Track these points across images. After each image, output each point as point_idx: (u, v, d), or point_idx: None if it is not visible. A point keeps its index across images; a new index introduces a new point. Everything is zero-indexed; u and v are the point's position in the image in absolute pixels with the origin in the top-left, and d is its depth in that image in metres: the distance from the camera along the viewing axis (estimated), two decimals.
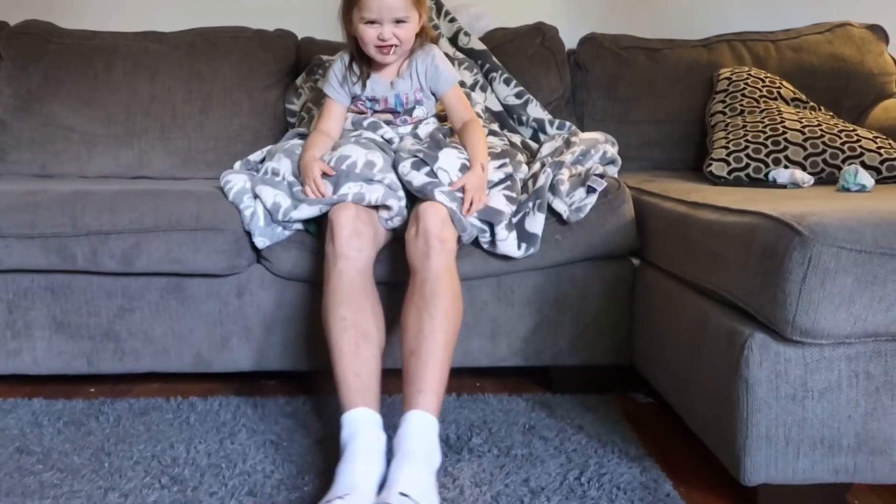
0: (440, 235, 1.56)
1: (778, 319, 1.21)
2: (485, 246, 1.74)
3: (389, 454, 1.36)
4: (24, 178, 2.22)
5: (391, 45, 1.73)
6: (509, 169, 1.81)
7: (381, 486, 1.30)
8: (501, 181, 1.78)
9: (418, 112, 1.89)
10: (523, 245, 1.73)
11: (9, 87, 2.31)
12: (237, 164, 1.90)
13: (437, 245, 1.55)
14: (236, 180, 1.78)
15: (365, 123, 1.86)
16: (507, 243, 1.72)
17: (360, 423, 1.39)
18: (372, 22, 1.70)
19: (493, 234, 1.72)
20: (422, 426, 1.37)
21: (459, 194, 1.65)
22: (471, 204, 1.64)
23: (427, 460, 1.33)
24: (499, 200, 1.73)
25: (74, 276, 1.77)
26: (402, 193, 1.70)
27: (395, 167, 1.74)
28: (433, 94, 1.87)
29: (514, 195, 1.76)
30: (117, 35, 2.41)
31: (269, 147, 1.92)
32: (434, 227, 1.56)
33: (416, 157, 1.71)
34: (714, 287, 1.41)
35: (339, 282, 1.53)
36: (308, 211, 1.69)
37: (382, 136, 1.83)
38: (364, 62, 1.82)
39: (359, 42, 1.76)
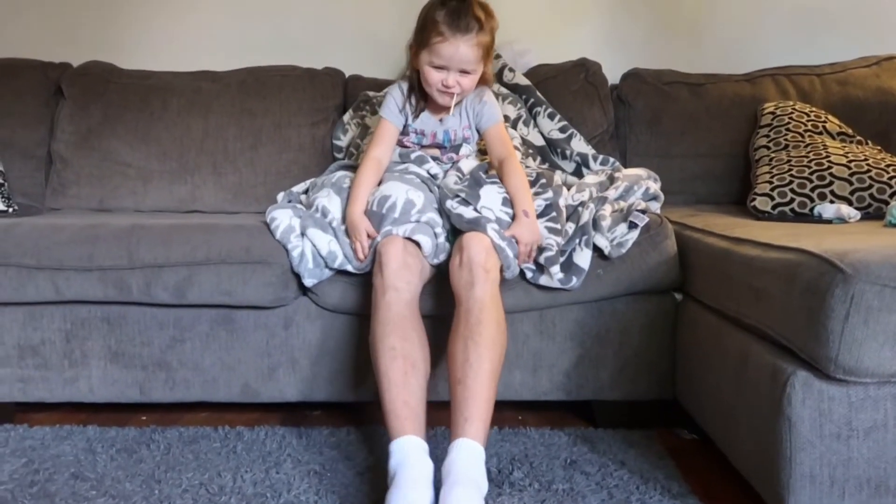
0: (484, 265, 1.60)
1: (821, 357, 1.20)
2: (528, 276, 1.76)
3: (436, 483, 1.38)
4: (83, 211, 2.32)
5: (453, 93, 1.79)
6: (549, 194, 1.84)
7: None
8: (543, 212, 1.82)
9: (464, 149, 1.94)
10: (570, 278, 1.75)
11: (70, 125, 2.42)
12: (280, 196, 1.96)
13: (482, 274, 1.58)
14: (282, 217, 1.83)
15: (412, 156, 1.91)
16: (552, 278, 1.74)
17: (410, 451, 1.42)
18: (440, 67, 1.76)
19: (538, 265, 1.75)
20: (469, 454, 1.41)
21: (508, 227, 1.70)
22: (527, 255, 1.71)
23: (476, 486, 1.36)
24: (542, 234, 1.77)
25: (129, 308, 1.84)
26: (440, 230, 1.74)
27: (440, 203, 1.79)
28: (477, 130, 1.92)
29: (557, 226, 1.78)
30: (172, 74, 2.51)
31: (312, 179, 1.97)
32: (478, 257, 1.60)
33: (458, 195, 1.75)
34: (756, 323, 1.41)
35: (388, 313, 1.58)
36: (360, 266, 1.75)
37: (428, 172, 1.88)
38: (421, 95, 1.88)
39: (421, 78, 1.82)
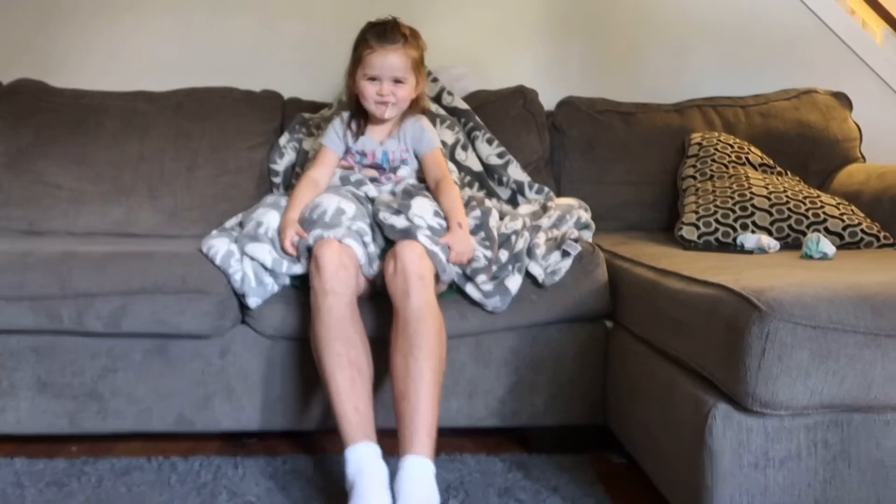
0: (418, 271, 1.64)
1: (739, 391, 1.26)
2: (458, 283, 1.80)
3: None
4: (12, 233, 2.26)
5: (388, 102, 1.89)
6: (478, 213, 1.91)
7: None
8: (473, 231, 1.87)
9: (402, 171, 1.99)
10: (495, 295, 1.79)
11: (0, 146, 2.36)
12: (214, 232, 1.94)
13: (416, 282, 1.63)
14: (219, 245, 1.83)
15: (352, 179, 1.95)
16: (483, 290, 1.78)
17: (366, 458, 1.51)
18: (373, 79, 1.88)
19: (465, 276, 1.80)
20: (419, 472, 1.48)
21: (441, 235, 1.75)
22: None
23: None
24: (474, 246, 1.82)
25: (60, 337, 1.80)
26: (369, 240, 1.79)
27: (374, 218, 1.84)
28: (416, 156, 1.99)
29: (487, 243, 1.85)
30: (107, 94, 2.47)
31: (242, 213, 1.99)
32: (411, 264, 1.64)
33: (391, 206, 1.81)
34: (681, 355, 1.47)
35: (330, 318, 1.62)
36: (303, 266, 1.77)
37: (366, 194, 1.93)
38: (361, 119, 1.98)
39: (360, 97, 1.92)
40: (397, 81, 1.89)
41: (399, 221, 1.77)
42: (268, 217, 1.87)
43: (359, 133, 1.99)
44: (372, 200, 1.92)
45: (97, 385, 1.82)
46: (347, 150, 2.00)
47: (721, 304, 1.33)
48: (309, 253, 1.74)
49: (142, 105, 2.43)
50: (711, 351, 1.35)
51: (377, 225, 1.83)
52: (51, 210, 2.30)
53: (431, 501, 1.46)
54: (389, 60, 1.86)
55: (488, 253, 1.83)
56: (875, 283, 1.31)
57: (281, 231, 1.82)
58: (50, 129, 2.37)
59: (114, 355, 1.81)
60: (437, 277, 1.72)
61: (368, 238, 1.79)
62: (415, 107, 2.01)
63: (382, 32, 1.88)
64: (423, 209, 1.81)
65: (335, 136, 2.01)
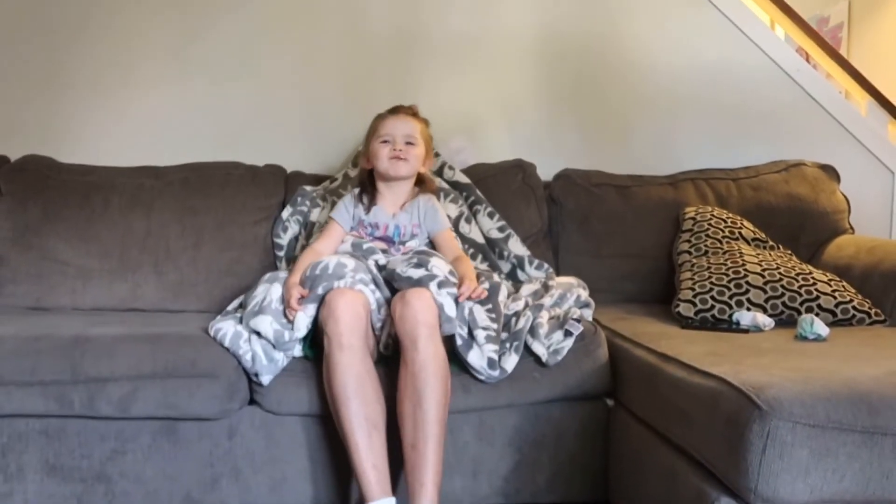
0: (425, 320, 1.74)
1: (741, 486, 1.30)
2: (458, 343, 1.82)
3: None
4: (19, 310, 2.28)
5: (402, 159, 2.04)
6: (486, 285, 1.96)
7: None
8: (482, 302, 1.91)
9: (411, 244, 2.08)
10: (495, 370, 1.82)
11: (7, 222, 2.39)
12: (218, 317, 1.97)
13: (424, 332, 1.72)
14: (227, 327, 1.87)
15: (364, 247, 2.02)
16: (483, 355, 1.81)
17: None
18: (386, 141, 2.06)
19: (472, 336, 1.84)
20: None
21: (451, 290, 1.83)
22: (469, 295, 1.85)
23: None
24: (481, 316, 1.87)
25: (69, 420, 1.82)
26: (373, 288, 1.87)
27: (390, 274, 1.92)
28: (427, 234, 2.10)
29: (494, 315, 1.89)
30: (113, 170, 2.51)
31: (243, 295, 2.03)
32: (419, 313, 1.74)
33: (410, 260, 1.89)
34: (682, 442, 1.51)
35: (346, 376, 1.72)
36: (305, 323, 1.82)
37: (377, 262, 1.97)
38: (372, 192, 2.11)
39: (374, 161, 2.09)
40: (409, 143, 2.06)
41: (416, 272, 1.84)
42: (270, 291, 1.91)
43: (371, 204, 2.10)
44: (381, 268, 1.96)
45: (105, 467, 1.84)
46: (360, 223, 2.10)
47: (722, 397, 1.38)
48: (316, 311, 1.82)
49: (148, 181, 2.48)
50: (713, 443, 1.39)
51: (385, 282, 1.92)
52: (58, 287, 2.34)
53: None
54: (401, 123, 2.08)
55: (494, 325, 1.87)
56: (870, 379, 1.36)
57: (284, 292, 1.88)
58: (57, 205, 2.41)
59: (123, 437, 1.83)
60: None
61: (372, 287, 1.87)
62: (427, 186, 2.16)
63: (393, 108, 2.15)
64: (441, 265, 1.90)
65: (345, 210, 2.12)
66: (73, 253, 2.36)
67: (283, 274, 1.99)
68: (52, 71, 2.74)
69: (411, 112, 2.14)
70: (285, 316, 1.85)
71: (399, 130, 2.07)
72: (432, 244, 2.13)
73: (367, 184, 2.15)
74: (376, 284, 1.90)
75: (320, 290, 1.82)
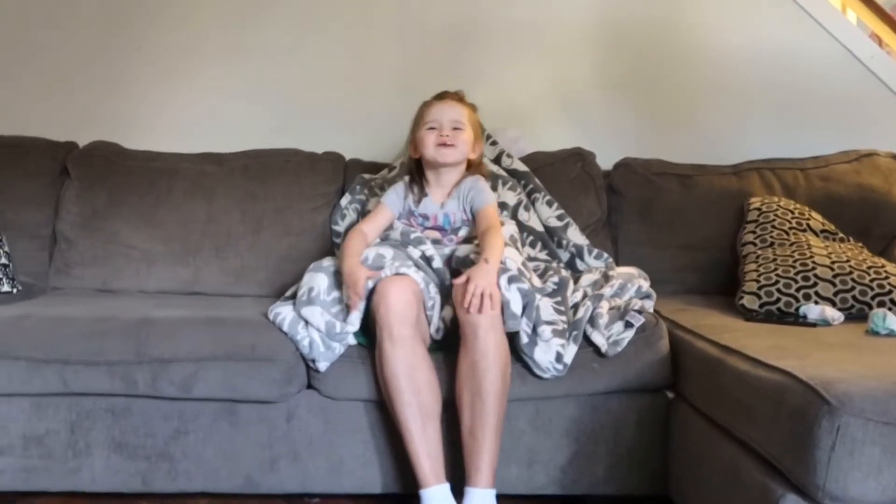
0: (488, 293, 1.71)
1: (808, 484, 1.26)
2: (523, 341, 1.80)
3: None
4: (87, 292, 2.36)
5: (450, 145, 1.99)
6: (556, 279, 1.96)
7: None
8: (552, 294, 1.91)
9: (463, 232, 2.05)
10: (558, 364, 1.80)
11: (76, 206, 2.47)
12: (278, 302, 1.99)
13: (486, 321, 1.71)
14: (285, 312, 1.89)
15: (412, 236, 2.00)
16: (549, 349, 1.79)
17: (438, 501, 1.70)
18: (432, 128, 2.01)
19: (535, 332, 1.81)
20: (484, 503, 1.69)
21: (522, 286, 1.79)
22: (480, 301, 1.72)
23: None
24: (547, 310, 1.84)
25: (134, 400, 1.87)
26: (416, 269, 1.86)
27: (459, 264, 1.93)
28: (472, 213, 2.03)
29: (562, 308, 1.88)
30: (177, 157, 2.57)
31: (295, 285, 2.03)
32: (484, 287, 1.72)
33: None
34: (746, 438, 1.47)
35: (397, 368, 1.74)
36: (357, 317, 1.83)
37: (424, 253, 1.96)
38: (421, 184, 2.08)
39: (421, 149, 2.04)
40: (456, 129, 2.01)
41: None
42: (316, 280, 1.90)
43: (421, 195, 2.07)
44: (429, 260, 1.95)
45: (168, 446, 1.88)
46: (410, 213, 2.07)
47: (788, 392, 1.33)
48: (367, 303, 1.82)
49: (209, 167, 2.52)
50: (778, 438, 1.35)
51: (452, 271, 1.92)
52: (123, 270, 2.40)
53: None
54: (447, 109, 2.03)
55: (564, 318, 1.85)
56: None
57: (347, 278, 1.84)
58: (123, 190, 2.48)
59: (184, 418, 1.88)
60: None
61: (415, 269, 1.86)
62: (474, 168, 2.10)
63: (439, 95, 2.10)
64: (514, 256, 1.89)
65: (395, 196, 2.09)
66: (138, 237, 2.43)
67: (326, 262, 1.97)
68: (119, 61, 2.81)
69: (457, 97, 2.09)
70: (345, 306, 1.86)
71: (445, 116, 2.02)
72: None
73: (416, 173, 2.11)
74: (419, 268, 1.89)
75: (370, 283, 1.81)
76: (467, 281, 1.74)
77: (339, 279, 1.91)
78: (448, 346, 1.86)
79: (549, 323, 1.82)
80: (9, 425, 1.87)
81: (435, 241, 2.03)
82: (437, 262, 1.95)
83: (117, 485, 1.90)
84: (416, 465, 1.73)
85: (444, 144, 2.00)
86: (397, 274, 1.82)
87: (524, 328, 1.79)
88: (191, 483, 1.90)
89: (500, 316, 1.75)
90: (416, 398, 1.73)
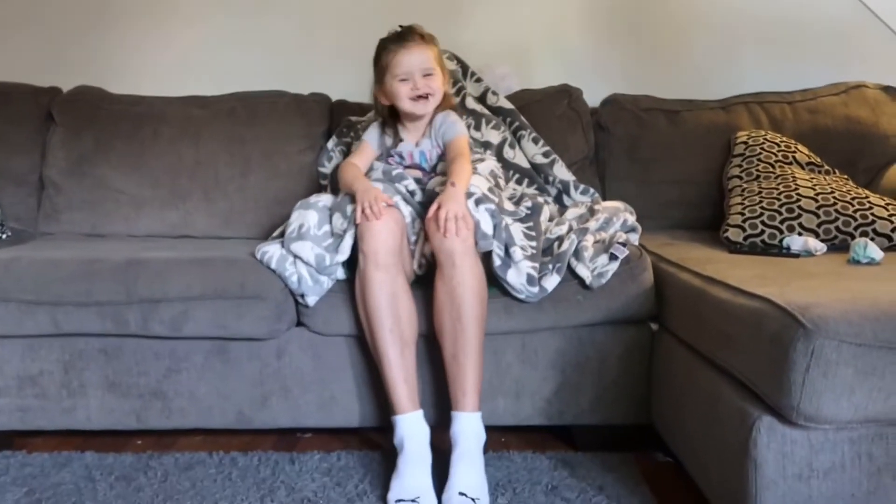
0: (462, 235, 1.72)
1: (783, 405, 1.29)
2: (496, 264, 1.82)
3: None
4: (76, 237, 2.37)
5: (425, 95, 1.94)
6: (529, 204, 1.97)
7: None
8: (523, 219, 1.92)
9: (442, 167, 2.02)
10: (532, 286, 1.82)
11: (62, 151, 2.46)
12: (263, 242, 2.00)
13: (461, 246, 1.72)
14: (272, 250, 1.91)
15: (393, 173, 2.00)
16: (521, 273, 1.81)
17: (412, 424, 1.74)
18: (404, 79, 1.93)
19: (509, 255, 1.83)
20: (471, 426, 1.73)
21: (489, 206, 1.80)
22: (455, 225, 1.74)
23: (478, 457, 1.71)
24: (517, 232, 1.86)
25: (126, 340, 1.90)
26: (404, 203, 1.87)
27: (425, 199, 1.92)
28: (443, 147, 2.02)
29: (533, 234, 1.89)
30: (163, 100, 2.55)
31: (282, 225, 2.04)
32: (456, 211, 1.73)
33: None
34: (725, 364, 1.50)
35: (380, 294, 1.76)
36: (349, 245, 1.83)
37: (406, 188, 1.97)
38: (394, 128, 2.05)
39: (396, 101, 1.97)
40: (427, 75, 1.94)
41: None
42: (306, 217, 1.91)
43: (397, 140, 2.05)
44: (412, 194, 1.96)
45: (161, 385, 1.92)
46: (388, 154, 2.07)
47: (766, 318, 1.36)
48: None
49: (196, 111, 2.51)
50: (756, 364, 1.37)
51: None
52: (112, 214, 2.41)
53: (481, 445, 1.74)
54: (415, 56, 1.93)
55: (533, 243, 1.87)
56: None
57: (361, 192, 1.82)
58: (109, 135, 2.47)
59: (176, 357, 1.90)
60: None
61: (403, 203, 1.87)
62: (443, 103, 2.04)
63: (399, 35, 1.97)
64: (480, 182, 1.88)
65: (375, 134, 2.09)
66: (126, 181, 2.43)
67: (313, 199, 1.97)
68: (101, 4, 2.77)
69: (420, 38, 1.95)
70: (336, 237, 1.87)
71: (415, 65, 1.93)
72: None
73: (389, 119, 2.06)
74: (406, 202, 1.90)
75: (350, 211, 1.83)
76: (438, 208, 1.74)
77: (328, 214, 1.92)
78: (423, 280, 1.87)
79: (522, 247, 1.84)
80: (3, 367, 1.90)
81: (417, 180, 2.01)
82: (419, 197, 1.96)
83: (112, 423, 1.94)
84: (393, 391, 1.76)
85: (420, 97, 1.95)
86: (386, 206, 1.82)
87: (496, 250, 1.81)
88: (185, 420, 1.94)
89: (472, 240, 1.76)
90: (396, 325, 1.76)
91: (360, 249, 1.79)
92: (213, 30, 2.78)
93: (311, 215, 1.91)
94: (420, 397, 1.80)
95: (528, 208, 1.98)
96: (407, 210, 1.87)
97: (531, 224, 1.92)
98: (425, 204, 1.91)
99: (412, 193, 1.96)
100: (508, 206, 1.96)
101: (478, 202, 1.80)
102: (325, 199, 1.98)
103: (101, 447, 1.96)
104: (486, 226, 1.79)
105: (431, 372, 1.89)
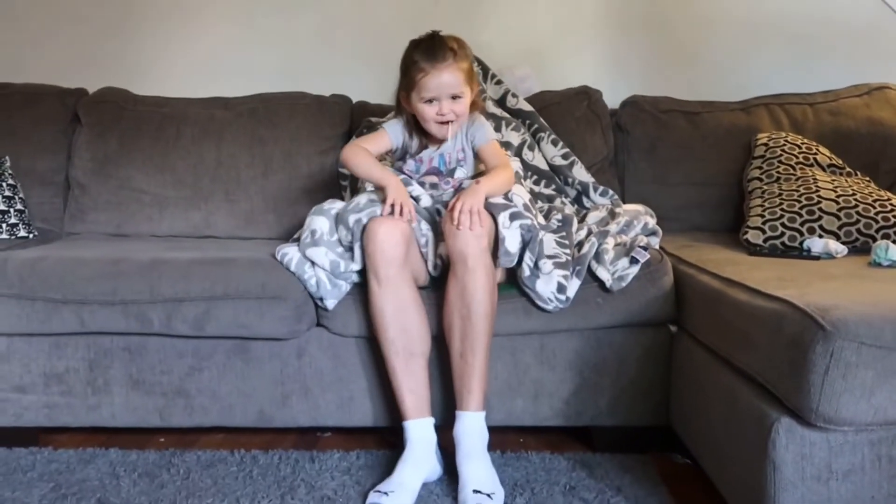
0: (477, 235, 1.72)
1: (803, 407, 1.29)
2: (525, 275, 1.83)
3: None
4: (101, 237, 2.41)
5: (449, 121, 1.88)
6: (559, 216, 1.97)
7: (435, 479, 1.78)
8: (556, 230, 1.93)
9: (459, 173, 1.98)
10: (561, 295, 1.83)
11: (87, 152, 2.51)
12: (283, 244, 2.00)
13: (474, 249, 1.72)
14: (292, 252, 1.92)
15: (399, 177, 1.97)
16: (548, 280, 1.82)
17: (414, 433, 1.76)
18: (431, 101, 1.86)
19: (538, 267, 1.83)
20: (475, 426, 1.75)
21: (525, 222, 1.80)
22: (469, 219, 1.73)
23: (483, 454, 1.74)
24: (550, 244, 1.86)
25: (150, 338, 1.93)
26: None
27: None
28: (473, 151, 1.98)
29: (566, 242, 1.90)
30: (186, 101, 2.59)
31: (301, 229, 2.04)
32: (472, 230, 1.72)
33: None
34: (745, 367, 1.50)
35: (383, 307, 1.78)
36: (360, 255, 1.83)
37: (411, 193, 1.92)
38: (419, 135, 1.98)
39: (420, 121, 1.92)
40: (455, 97, 1.86)
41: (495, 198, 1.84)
42: (318, 223, 1.90)
43: (421, 148, 1.99)
44: (417, 199, 1.93)
45: (184, 383, 1.94)
46: (404, 155, 2.00)
47: (786, 320, 1.36)
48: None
49: (218, 112, 2.54)
50: (775, 365, 1.37)
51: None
52: (136, 215, 2.45)
53: (484, 442, 1.75)
54: (444, 80, 1.83)
55: (567, 252, 1.88)
56: None
57: (392, 188, 1.82)
58: (133, 136, 2.51)
59: (199, 356, 1.93)
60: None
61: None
62: (472, 106, 1.97)
63: (430, 51, 1.84)
64: (521, 192, 1.88)
65: (398, 130, 1.99)
66: (150, 182, 2.47)
67: (327, 205, 1.94)
68: (126, 7, 2.81)
69: (452, 54, 1.84)
70: (347, 247, 1.86)
71: (444, 89, 1.83)
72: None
73: (414, 129, 1.97)
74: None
75: (365, 219, 1.80)
76: (455, 202, 1.75)
77: (339, 222, 1.89)
78: (440, 282, 1.87)
79: (551, 257, 1.84)
80: (30, 364, 1.94)
81: (433, 185, 1.98)
82: (426, 202, 1.93)
83: (136, 420, 1.97)
84: (399, 400, 1.79)
85: (447, 122, 1.88)
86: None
87: (527, 262, 1.82)
88: (207, 418, 1.97)
89: (486, 239, 1.75)
90: (400, 337, 1.77)
91: (364, 261, 1.80)
92: (235, 31, 2.82)
93: (322, 222, 1.90)
94: (440, 406, 1.84)
95: (559, 220, 1.99)
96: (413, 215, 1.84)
97: (563, 234, 1.93)
98: (436, 210, 1.92)
99: (417, 199, 1.93)
100: (542, 220, 1.96)
101: (513, 216, 1.80)
102: (338, 205, 1.95)
103: (124, 444, 1.99)
104: (512, 244, 1.79)
105: (439, 372, 1.89)
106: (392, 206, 1.79)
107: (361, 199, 1.89)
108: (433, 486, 1.77)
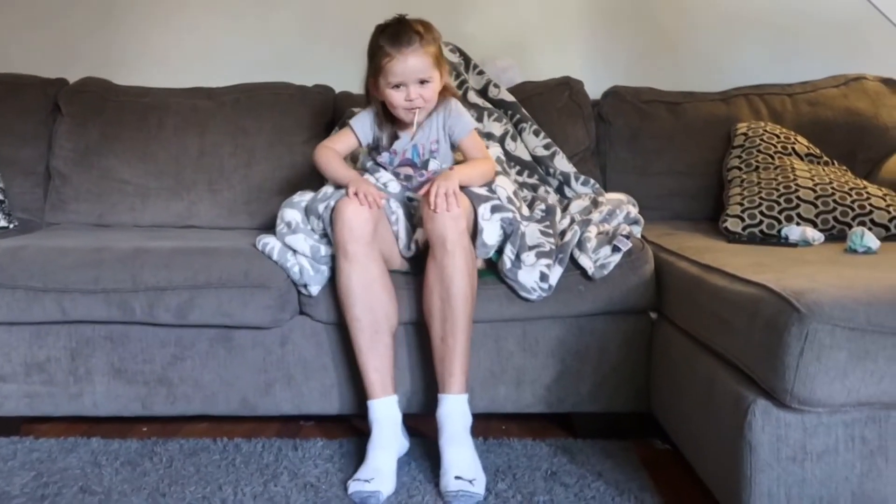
0: (455, 217, 1.72)
1: (778, 388, 1.31)
2: (506, 267, 1.85)
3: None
4: (83, 227, 2.40)
5: (417, 107, 1.86)
6: (543, 206, 1.98)
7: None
8: (540, 219, 1.94)
9: (432, 165, 1.96)
10: (543, 283, 1.84)
11: (69, 142, 2.49)
12: (264, 234, 2.00)
13: (453, 233, 1.71)
14: (273, 242, 1.93)
15: (367, 165, 2.01)
16: (531, 270, 1.84)
17: (383, 409, 1.78)
18: (398, 86, 1.84)
19: (519, 259, 1.84)
20: (457, 409, 1.75)
21: (506, 216, 1.82)
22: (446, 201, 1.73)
23: (466, 437, 1.74)
24: (533, 235, 1.88)
25: (132, 327, 1.92)
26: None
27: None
28: (451, 142, 1.97)
29: (550, 231, 1.91)
30: (168, 91, 2.58)
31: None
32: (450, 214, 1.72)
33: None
34: (722, 350, 1.52)
35: (350, 283, 1.78)
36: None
37: (378, 180, 1.93)
38: (390, 124, 1.96)
39: (388, 107, 1.90)
40: (422, 82, 1.83)
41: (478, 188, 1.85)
42: (291, 215, 1.92)
43: (393, 138, 1.96)
44: (385, 185, 1.92)
45: (166, 371, 1.94)
46: (377, 146, 1.98)
47: (762, 303, 1.38)
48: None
49: (201, 102, 2.54)
50: (752, 348, 1.39)
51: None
52: (118, 205, 2.44)
53: (466, 427, 1.75)
54: (410, 65, 1.80)
55: (551, 240, 1.89)
56: None
57: (352, 182, 1.81)
58: (115, 126, 2.50)
59: (182, 344, 1.93)
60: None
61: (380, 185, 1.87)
62: (443, 93, 1.94)
63: (396, 35, 1.81)
64: (506, 184, 1.88)
65: (365, 126, 1.97)
66: (132, 172, 2.46)
67: (297, 198, 1.97)
68: None
69: (418, 38, 1.81)
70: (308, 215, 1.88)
71: (411, 74, 1.80)
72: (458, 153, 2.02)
73: (384, 117, 1.94)
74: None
75: (332, 202, 1.81)
76: (430, 186, 1.75)
77: (309, 213, 1.90)
78: (421, 267, 1.87)
79: (534, 247, 1.86)
80: (11, 353, 1.93)
81: (407, 177, 1.97)
82: (394, 188, 1.92)
83: (118, 409, 1.97)
84: (365, 377, 1.79)
85: (415, 107, 1.86)
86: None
87: (508, 255, 1.83)
88: (189, 406, 1.97)
89: (465, 222, 1.76)
90: (366, 314, 1.78)
91: (332, 239, 1.80)
92: (218, 22, 2.81)
93: (294, 213, 1.92)
94: (401, 383, 1.85)
95: (542, 210, 2.00)
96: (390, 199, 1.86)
97: (548, 223, 1.94)
98: (406, 198, 1.93)
99: (385, 185, 1.92)
100: (525, 211, 1.97)
101: (494, 209, 1.81)
102: (307, 197, 1.96)
103: (107, 433, 1.99)
104: (490, 236, 1.81)
105: (420, 357, 1.91)
106: (356, 194, 1.77)
107: (329, 189, 1.91)
108: (416, 473, 1.78)
